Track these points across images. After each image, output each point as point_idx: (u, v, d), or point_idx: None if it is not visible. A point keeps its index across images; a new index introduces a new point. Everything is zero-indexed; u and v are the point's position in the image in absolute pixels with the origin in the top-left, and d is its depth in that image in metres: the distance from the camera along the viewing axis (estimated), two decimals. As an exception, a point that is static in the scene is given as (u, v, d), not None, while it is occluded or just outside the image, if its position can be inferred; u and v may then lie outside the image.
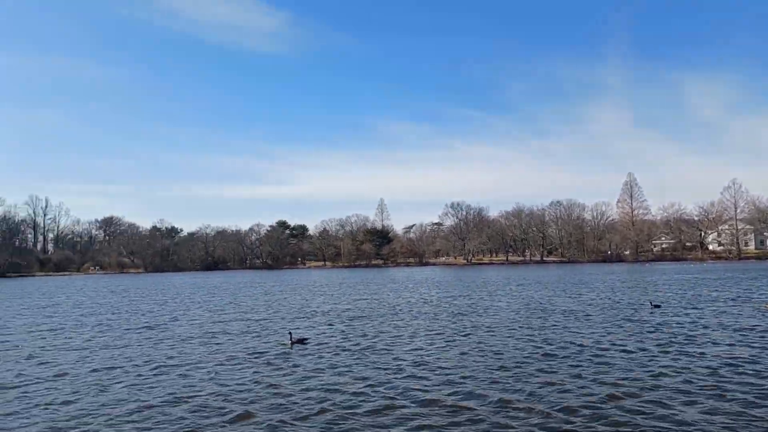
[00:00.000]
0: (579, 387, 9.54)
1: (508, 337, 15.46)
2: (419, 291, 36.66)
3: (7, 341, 17.02)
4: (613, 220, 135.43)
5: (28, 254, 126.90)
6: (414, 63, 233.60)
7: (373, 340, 15.63)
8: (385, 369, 11.52)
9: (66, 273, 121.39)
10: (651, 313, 20.70)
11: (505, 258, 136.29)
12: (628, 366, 11.08)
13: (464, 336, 15.79)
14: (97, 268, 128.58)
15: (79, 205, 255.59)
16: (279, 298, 33.17)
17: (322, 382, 10.42)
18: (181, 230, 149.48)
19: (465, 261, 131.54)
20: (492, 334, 16.12)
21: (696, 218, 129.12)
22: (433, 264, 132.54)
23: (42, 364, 13.02)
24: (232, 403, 9.06)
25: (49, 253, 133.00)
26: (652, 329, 16.27)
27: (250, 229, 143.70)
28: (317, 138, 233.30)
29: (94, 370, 12.06)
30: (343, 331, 17.61)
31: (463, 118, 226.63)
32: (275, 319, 21.77)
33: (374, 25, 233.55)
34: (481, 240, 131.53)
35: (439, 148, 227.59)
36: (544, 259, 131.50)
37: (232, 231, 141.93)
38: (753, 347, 12.94)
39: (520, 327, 17.55)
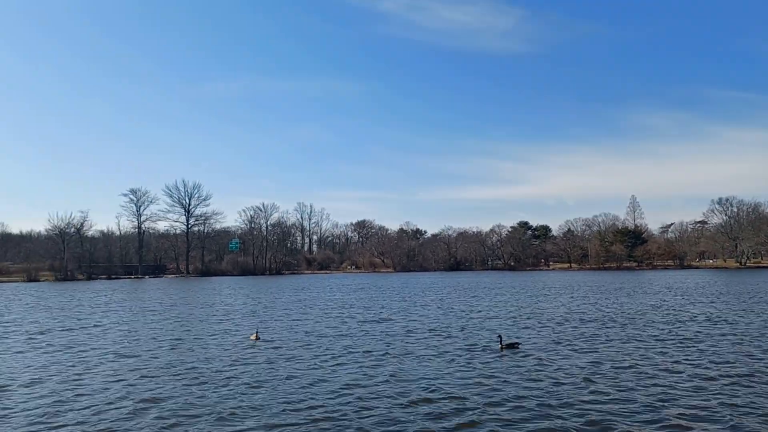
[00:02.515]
0: None
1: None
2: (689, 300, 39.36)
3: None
4: None
5: (298, 254, 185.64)
6: (668, 47, 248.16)
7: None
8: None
9: (328, 271, 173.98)
10: None
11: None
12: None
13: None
14: (353, 266, 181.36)
15: (336, 208, 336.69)
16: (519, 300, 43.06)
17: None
18: (425, 232, 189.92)
19: (738, 264, 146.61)
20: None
21: None
22: (697, 267, 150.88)
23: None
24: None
25: (314, 253, 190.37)
26: None
27: (491, 230, 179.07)
28: (560, 135, 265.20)
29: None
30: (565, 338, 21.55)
31: (729, 99, 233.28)
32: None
33: (618, 11, 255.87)
34: (759, 240, 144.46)
35: (700, 136, 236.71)
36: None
37: (473, 232, 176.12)
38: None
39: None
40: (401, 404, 12.52)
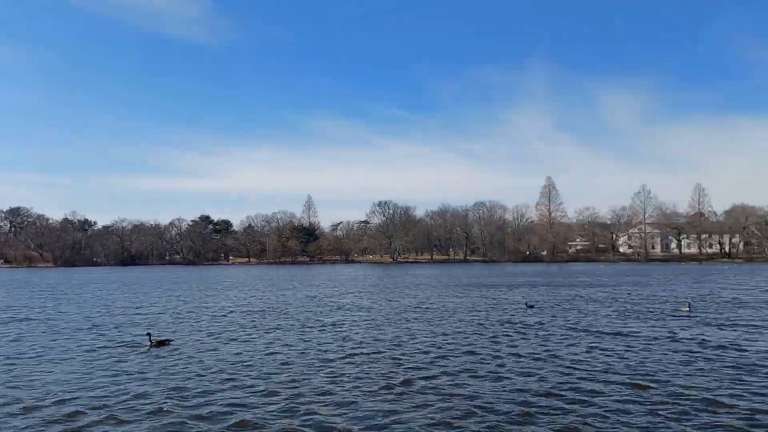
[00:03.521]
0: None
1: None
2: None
3: None
4: (532, 221, 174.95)
5: None
6: (344, 60, 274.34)
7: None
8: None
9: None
10: (526, 311, 27.89)
11: (430, 257, 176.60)
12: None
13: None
14: (2, 261, 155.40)
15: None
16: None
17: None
18: (95, 223, 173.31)
19: (391, 259, 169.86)
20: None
21: (609, 222, 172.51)
22: (360, 262, 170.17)
23: None
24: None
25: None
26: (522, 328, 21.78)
27: (171, 223, 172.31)
28: (243, 131, 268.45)
29: None
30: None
31: (393, 117, 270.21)
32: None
33: (303, 18, 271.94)
34: (408, 239, 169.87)
35: (369, 146, 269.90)
36: (467, 258, 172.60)
37: (151, 225, 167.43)
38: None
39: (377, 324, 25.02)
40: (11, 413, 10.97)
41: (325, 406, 11.38)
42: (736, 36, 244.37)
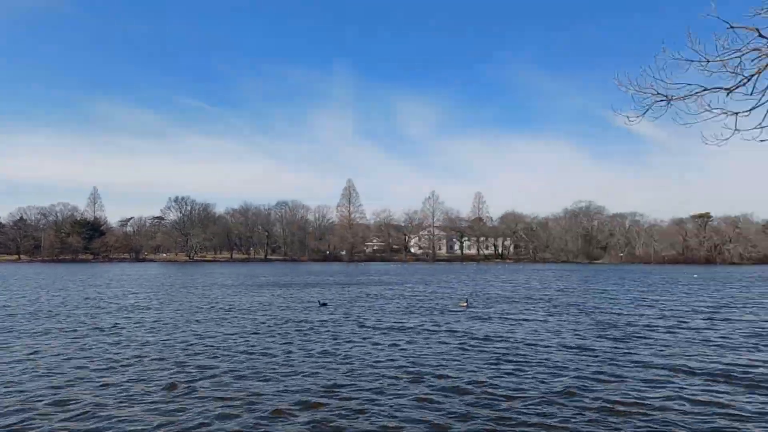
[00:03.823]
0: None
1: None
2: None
3: None
4: (332, 222, 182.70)
5: None
6: (142, 42, 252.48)
7: None
8: None
9: None
10: (319, 309, 28.38)
11: (229, 256, 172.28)
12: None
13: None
14: None
15: None
16: None
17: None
18: None
19: (188, 258, 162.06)
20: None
21: (402, 224, 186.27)
22: (152, 260, 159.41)
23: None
24: None
25: None
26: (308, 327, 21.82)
27: None
28: (15, 111, 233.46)
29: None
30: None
31: (192, 108, 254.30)
32: None
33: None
34: (206, 236, 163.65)
35: (165, 137, 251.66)
36: (268, 257, 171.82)
37: None
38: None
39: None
40: None
41: (92, 417, 10.38)
42: (512, 63, 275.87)
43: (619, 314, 27.37)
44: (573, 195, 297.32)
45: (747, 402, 11.53)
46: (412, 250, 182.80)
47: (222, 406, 11.10)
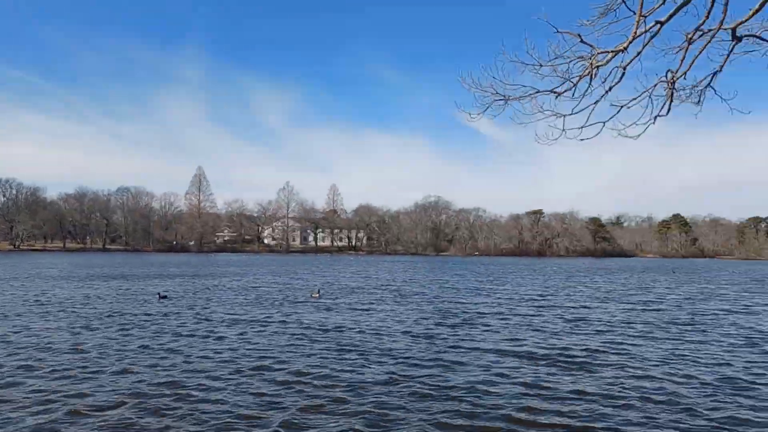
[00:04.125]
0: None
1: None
2: None
3: None
4: (181, 210, 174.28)
5: None
6: None
7: None
8: None
9: None
10: (159, 302, 26.83)
11: (62, 245, 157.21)
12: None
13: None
14: None
15: None
16: None
17: None
18: None
19: (12, 247, 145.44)
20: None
21: (256, 214, 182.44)
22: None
23: None
24: None
25: None
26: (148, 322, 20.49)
27: None
28: None
29: None
30: None
31: (18, 81, 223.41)
32: None
33: None
34: (35, 224, 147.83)
35: None
36: (107, 247, 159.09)
37: None
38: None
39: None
40: None
41: None
42: (368, 58, 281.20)
43: (458, 302, 28.97)
44: (424, 190, 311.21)
45: (563, 382, 12.58)
46: (266, 241, 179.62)
47: (29, 406, 9.91)
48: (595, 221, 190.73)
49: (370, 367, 13.59)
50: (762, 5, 7.02)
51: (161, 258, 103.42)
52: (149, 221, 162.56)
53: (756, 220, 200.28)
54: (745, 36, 7.84)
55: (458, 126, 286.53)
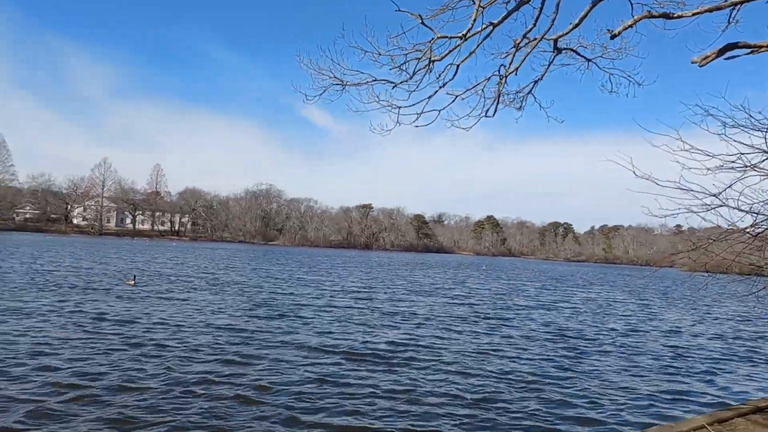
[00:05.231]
0: None
1: None
2: None
3: None
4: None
5: None
6: None
7: None
8: None
9: None
10: None
11: None
12: None
13: None
14: None
15: None
16: None
17: None
18: None
19: None
20: None
21: (65, 191, 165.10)
22: None
23: None
24: None
25: None
26: None
27: None
28: None
29: None
30: None
31: None
32: None
33: None
34: None
35: None
36: None
37: None
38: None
39: None
40: None
41: None
42: (203, 36, 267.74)
43: (276, 293, 28.32)
44: (255, 177, 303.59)
45: (360, 376, 12.62)
46: (75, 221, 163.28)
47: None
48: (419, 218, 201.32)
49: (167, 362, 12.41)
50: (581, 20, 7.43)
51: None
52: None
53: (555, 225, 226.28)
54: (564, 49, 8.32)
55: (294, 115, 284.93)
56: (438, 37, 7.19)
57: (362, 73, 8.10)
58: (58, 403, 9.38)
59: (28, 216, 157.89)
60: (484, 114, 7.65)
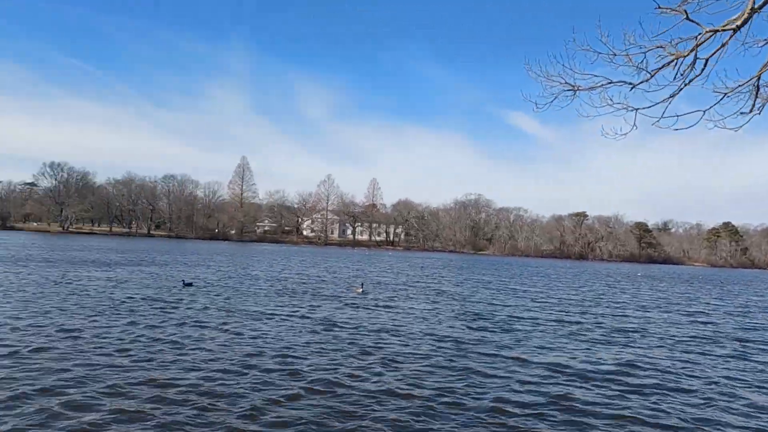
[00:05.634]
0: None
1: None
2: None
3: None
4: (223, 199, 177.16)
5: None
6: None
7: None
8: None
9: None
10: (182, 289, 26.17)
11: (109, 229, 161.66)
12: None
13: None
14: None
15: None
16: None
17: None
18: None
19: (62, 229, 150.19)
20: None
21: (296, 205, 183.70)
22: (21, 229, 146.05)
23: None
24: None
25: None
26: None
27: None
28: None
29: None
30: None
31: (70, 67, 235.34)
32: None
33: None
34: (83, 207, 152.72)
35: (41, 97, 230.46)
36: (152, 232, 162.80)
37: None
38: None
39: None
40: None
41: None
42: (413, 55, 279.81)
43: (492, 304, 27.79)
44: (464, 187, 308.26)
45: (593, 400, 11.58)
46: (305, 232, 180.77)
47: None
48: (641, 226, 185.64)
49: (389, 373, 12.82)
50: None
51: (202, 246, 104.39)
52: (193, 209, 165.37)
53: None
54: None
55: (500, 124, 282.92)
56: (706, 32, 6.36)
57: (596, 76, 7.57)
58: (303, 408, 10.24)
59: (266, 228, 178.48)
60: (758, 110, 6.59)
